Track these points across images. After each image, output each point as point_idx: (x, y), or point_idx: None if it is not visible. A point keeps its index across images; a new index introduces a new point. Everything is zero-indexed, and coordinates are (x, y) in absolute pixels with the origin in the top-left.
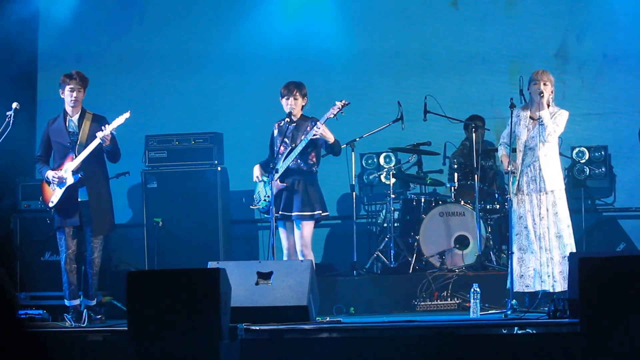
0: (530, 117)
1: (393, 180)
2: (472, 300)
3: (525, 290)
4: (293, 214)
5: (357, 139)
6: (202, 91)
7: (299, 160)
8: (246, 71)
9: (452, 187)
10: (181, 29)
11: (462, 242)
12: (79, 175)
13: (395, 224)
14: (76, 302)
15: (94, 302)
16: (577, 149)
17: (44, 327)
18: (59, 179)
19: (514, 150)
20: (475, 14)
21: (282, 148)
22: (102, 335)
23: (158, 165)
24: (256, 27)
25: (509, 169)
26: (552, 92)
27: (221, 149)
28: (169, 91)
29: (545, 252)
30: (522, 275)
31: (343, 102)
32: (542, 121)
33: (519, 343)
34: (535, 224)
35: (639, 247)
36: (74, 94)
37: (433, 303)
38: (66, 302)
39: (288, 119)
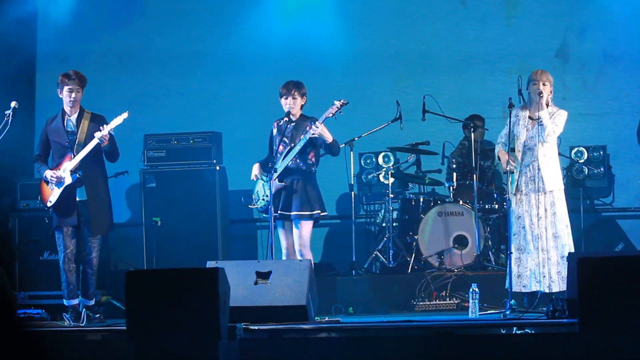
0: (530, 117)
1: (392, 179)
2: (470, 300)
3: (523, 291)
4: (292, 213)
5: (356, 139)
6: (201, 91)
7: (298, 160)
8: (245, 71)
9: (451, 187)
10: (180, 29)
11: (460, 242)
12: (77, 174)
13: (394, 224)
14: (75, 301)
15: (92, 302)
16: (575, 149)
17: (43, 327)
18: (57, 178)
19: (512, 150)
20: (475, 14)
21: (281, 147)
22: (100, 334)
23: (157, 165)
24: (255, 27)
25: (508, 168)
26: (551, 92)
27: (220, 149)
28: (168, 91)
29: (541, 252)
30: (520, 276)
31: (342, 101)
32: (541, 121)
33: (517, 343)
34: (532, 224)
35: (637, 247)
36: (73, 95)
37: (432, 303)
38: (65, 302)
39: (287, 119)
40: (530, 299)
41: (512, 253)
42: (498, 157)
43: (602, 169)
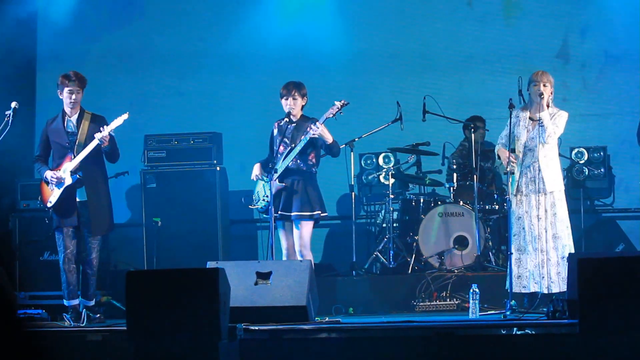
0: (530, 118)
1: (392, 180)
2: (471, 301)
3: (523, 291)
4: (292, 214)
5: (356, 139)
6: (202, 91)
7: (298, 161)
8: (246, 71)
9: (451, 188)
10: (180, 29)
11: (461, 242)
12: (78, 175)
13: (394, 225)
14: (75, 302)
15: (92, 302)
16: (576, 150)
17: (43, 327)
18: (58, 179)
19: (512, 151)
20: (475, 14)
21: (281, 148)
22: (101, 335)
23: (157, 165)
24: (255, 27)
25: (509, 169)
26: (551, 93)
27: (220, 149)
28: (168, 91)
29: (541, 253)
30: (520, 276)
31: (342, 102)
32: (542, 122)
33: (518, 344)
34: (532, 224)
35: (638, 248)
36: (73, 96)
37: (432, 303)
38: (65, 302)
39: (288, 119)
40: (531, 299)
41: (512, 254)
42: (498, 156)
43: (602, 170)
